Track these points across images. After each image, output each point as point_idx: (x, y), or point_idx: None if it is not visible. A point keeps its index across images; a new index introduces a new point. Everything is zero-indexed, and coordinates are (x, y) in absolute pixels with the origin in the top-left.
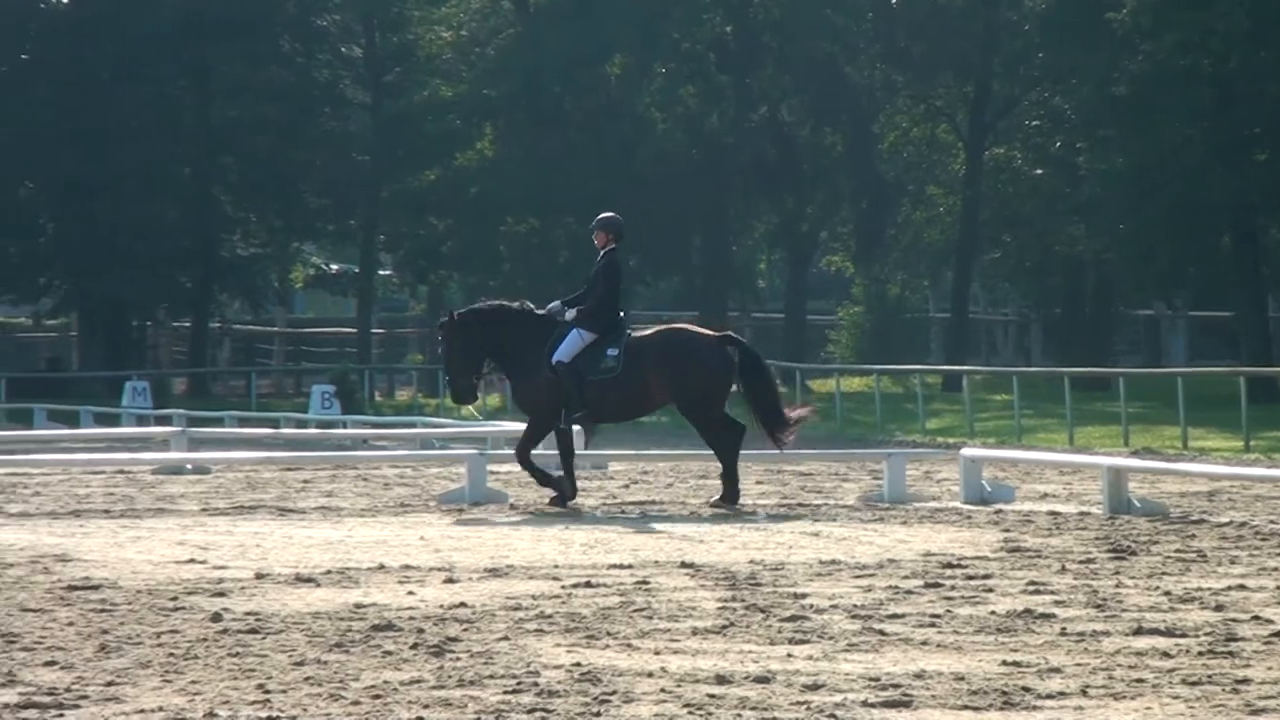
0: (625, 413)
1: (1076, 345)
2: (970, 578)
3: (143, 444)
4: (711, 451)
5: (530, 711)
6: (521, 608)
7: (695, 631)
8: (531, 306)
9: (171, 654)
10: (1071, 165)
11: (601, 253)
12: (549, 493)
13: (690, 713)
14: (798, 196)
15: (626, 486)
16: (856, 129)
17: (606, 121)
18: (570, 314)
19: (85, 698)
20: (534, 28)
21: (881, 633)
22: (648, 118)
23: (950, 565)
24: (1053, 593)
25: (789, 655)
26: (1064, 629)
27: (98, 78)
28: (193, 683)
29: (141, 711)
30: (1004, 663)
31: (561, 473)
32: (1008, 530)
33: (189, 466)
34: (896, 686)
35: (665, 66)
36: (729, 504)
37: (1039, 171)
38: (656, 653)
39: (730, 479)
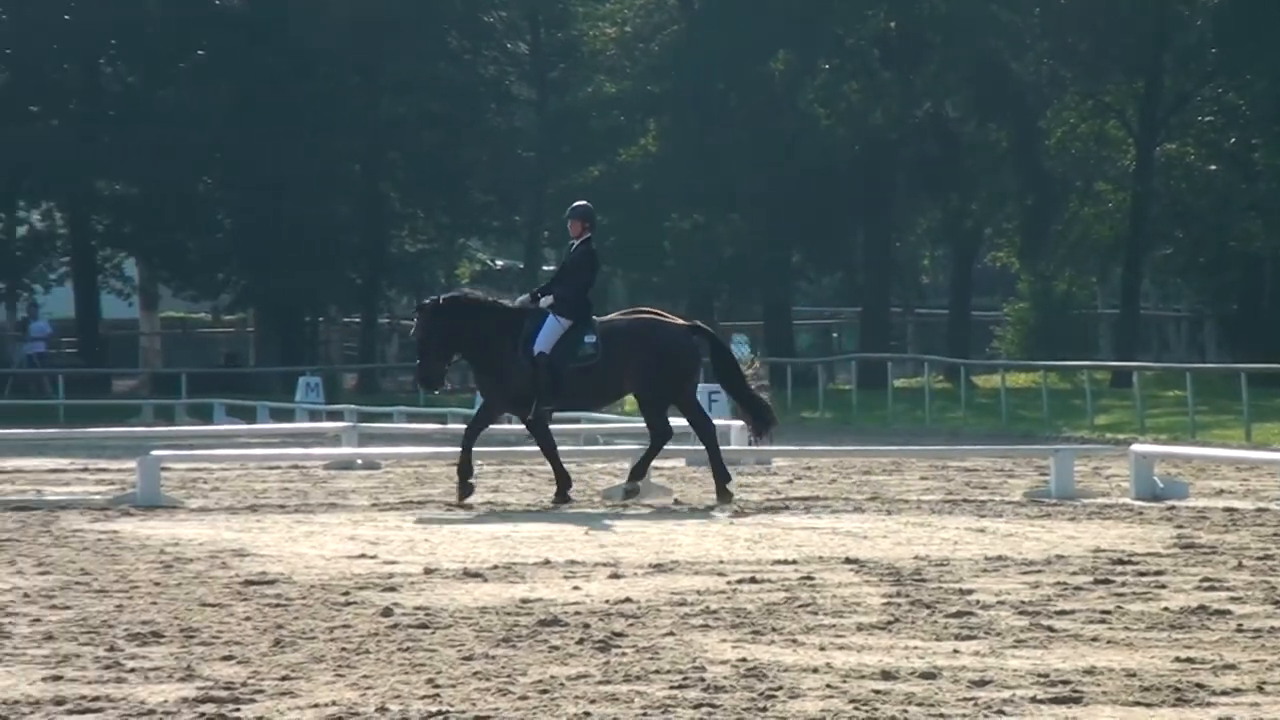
0: (599, 400)
1: (1253, 341)
2: (1142, 574)
3: (316, 439)
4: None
5: (696, 707)
6: (687, 603)
7: (860, 627)
8: (504, 301)
9: (344, 648)
10: (1247, 161)
11: (576, 241)
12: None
13: (856, 708)
14: (962, 193)
15: (790, 482)
16: (1022, 125)
17: (769, 117)
18: (546, 300)
19: (261, 692)
20: (698, 24)
21: (1050, 629)
22: (810, 114)
23: (1121, 561)
24: (1228, 589)
25: (955, 651)
26: (1240, 625)
27: (271, 75)
28: (364, 677)
29: (315, 706)
30: (1177, 659)
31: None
32: (1181, 526)
33: (359, 462)
34: (1066, 683)
35: (829, 63)
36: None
37: (1213, 167)
38: (822, 648)
39: (642, 467)
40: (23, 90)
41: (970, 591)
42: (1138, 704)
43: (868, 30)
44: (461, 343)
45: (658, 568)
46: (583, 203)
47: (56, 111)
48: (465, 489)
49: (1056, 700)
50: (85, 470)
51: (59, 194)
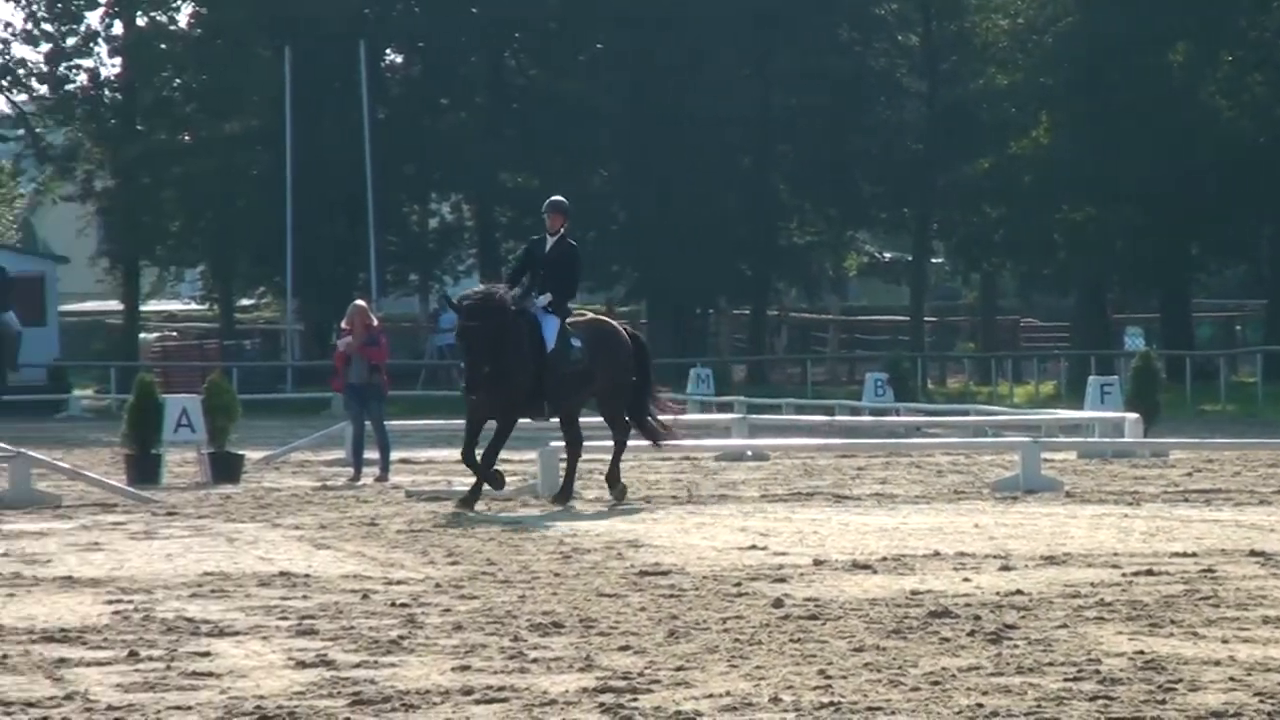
0: (577, 405)
1: None
2: None
3: (706, 430)
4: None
5: (1092, 699)
6: (1080, 595)
7: (1266, 620)
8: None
9: (736, 639)
10: None
11: (554, 237)
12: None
13: (1261, 701)
14: None
15: (1189, 475)
16: None
17: (1167, 109)
18: (545, 299)
19: (657, 682)
20: (1094, 15)
21: None
22: (1211, 106)
23: None
24: None
25: None
26: None
27: (665, 68)
28: (757, 668)
29: (710, 696)
30: None
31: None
32: None
33: (749, 453)
34: None
35: (1231, 54)
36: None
37: None
38: (1224, 641)
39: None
40: (434, 83)
41: None
42: None
43: (1273, 22)
44: (497, 343)
45: (1050, 559)
46: (560, 198)
47: (464, 104)
48: (475, 496)
49: None
50: None
51: (466, 186)
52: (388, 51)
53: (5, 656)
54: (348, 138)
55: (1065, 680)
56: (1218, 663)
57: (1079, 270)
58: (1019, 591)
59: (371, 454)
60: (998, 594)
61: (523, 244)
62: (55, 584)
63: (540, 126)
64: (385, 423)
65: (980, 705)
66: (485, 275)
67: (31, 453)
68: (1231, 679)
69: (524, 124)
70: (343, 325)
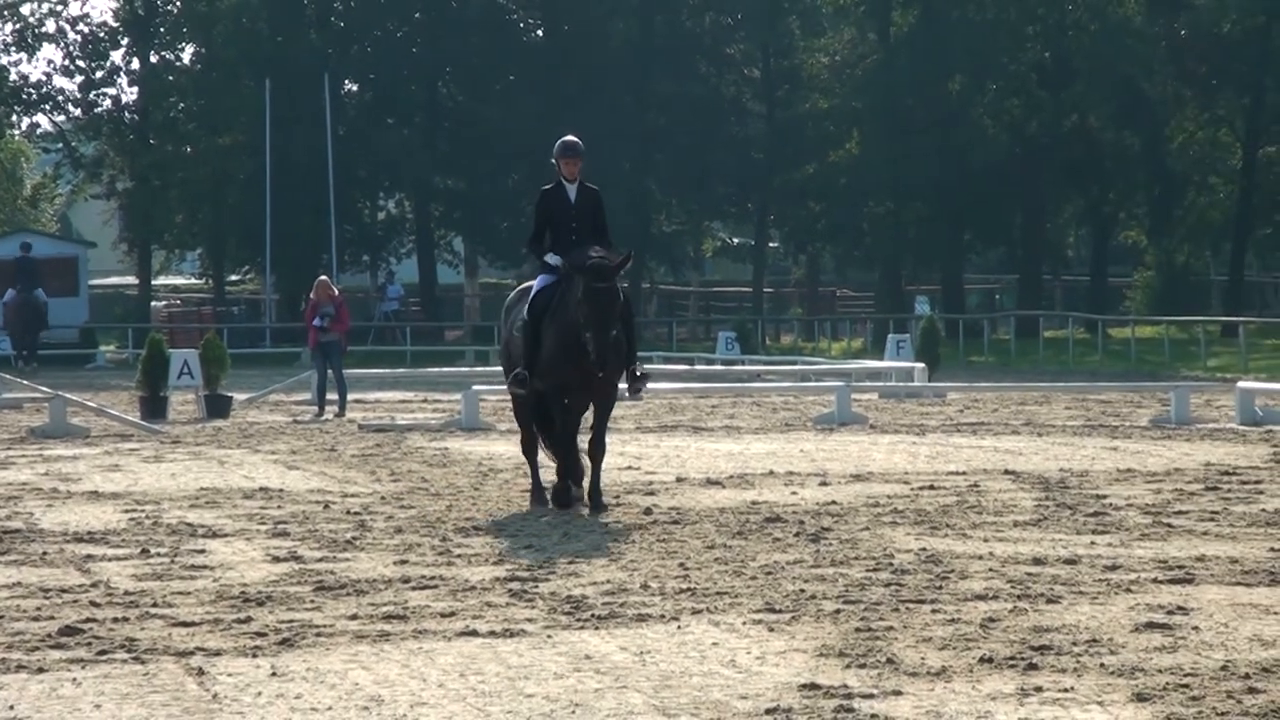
0: None
1: None
2: (1244, 483)
3: None
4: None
5: (887, 585)
6: (879, 505)
7: (1016, 524)
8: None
9: (615, 540)
10: None
11: (573, 184)
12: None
13: (1012, 586)
14: (1101, 185)
15: (961, 411)
16: (1151, 133)
17: (948, 127)
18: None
19: (553, 573)
20: (893, 54)
21: (1169, 525)
22: (980, 124)
23: (1227, 473)
24: None
25: (1092, 543)
26: None
27: (565, 94)
28: (631, 561)
29: (594, 584)
30: (1272, 549)
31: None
32: (1276, 446)
33: (626, 394)
34: (1181, 567)
35: (995, 84)
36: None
37: None
38: (985, 540)
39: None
40: (382, 106)
41: (1105, 496)
42: (1239, 584)
43: (1027, 58)
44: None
45: (857, 477)
46: (575, 139)
47: (406, 123)
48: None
49: (1173, 581)
50: (425, 401)
51: (408, 187)
52: (346, 82)
53: (44, 554)
54: (314, 149)
55: (867, 571)
56: (980, 557)
57: (881, 252)
58: (833, 502)
59: (332, 396)
60: (817, 504)
61: (452, 232)
62: (84, 497)
63: (466, 141)
64: (344, 371)
65: (803, 590)
66: (422, 256)
67: (66, 394)
68: (991, 570)
69: (453, 139)
70: (310, 295)
